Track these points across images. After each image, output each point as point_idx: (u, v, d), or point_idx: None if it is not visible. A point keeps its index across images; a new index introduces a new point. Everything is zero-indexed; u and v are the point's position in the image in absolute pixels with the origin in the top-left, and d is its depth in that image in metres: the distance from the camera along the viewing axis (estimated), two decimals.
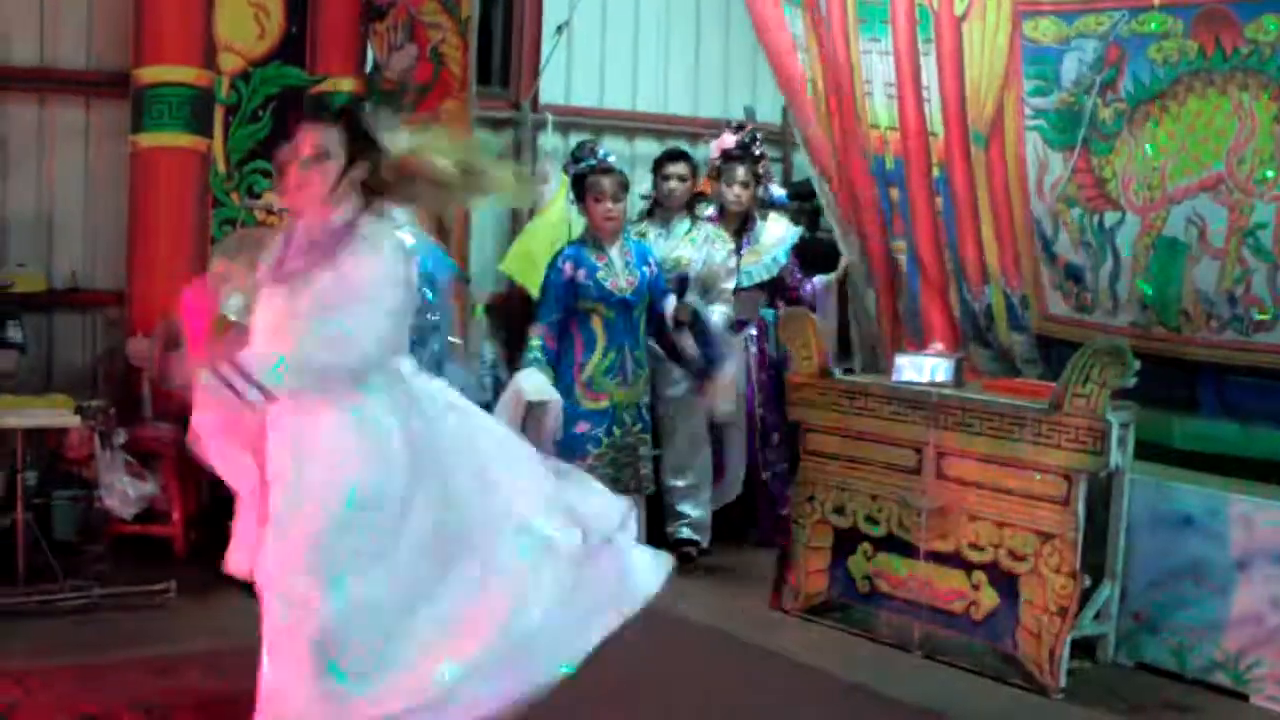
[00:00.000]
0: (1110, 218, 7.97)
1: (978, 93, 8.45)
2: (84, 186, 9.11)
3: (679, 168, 9.26)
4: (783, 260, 9.54)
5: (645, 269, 8.57)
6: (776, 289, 9.60)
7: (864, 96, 9.08)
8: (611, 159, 8.65)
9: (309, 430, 5.06)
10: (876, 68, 8.96)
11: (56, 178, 9.00)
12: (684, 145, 10.42)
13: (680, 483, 9.13)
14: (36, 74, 8.97)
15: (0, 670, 6.45)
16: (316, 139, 5.07)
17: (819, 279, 9.75)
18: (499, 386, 9.96)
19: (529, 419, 8.16)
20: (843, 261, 9.77)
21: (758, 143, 9.64)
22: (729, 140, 9.59)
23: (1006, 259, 8.56)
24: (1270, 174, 7.11)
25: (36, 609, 7.42)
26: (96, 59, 9.13)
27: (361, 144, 5.10)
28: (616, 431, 8.50)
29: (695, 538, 9.09)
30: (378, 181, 5.15)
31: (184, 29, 8.73)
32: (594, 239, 8.53)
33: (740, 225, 9.49)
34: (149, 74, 8.68)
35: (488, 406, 9.05)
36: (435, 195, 5.37)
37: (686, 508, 9.12)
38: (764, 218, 9.64)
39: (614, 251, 8.51)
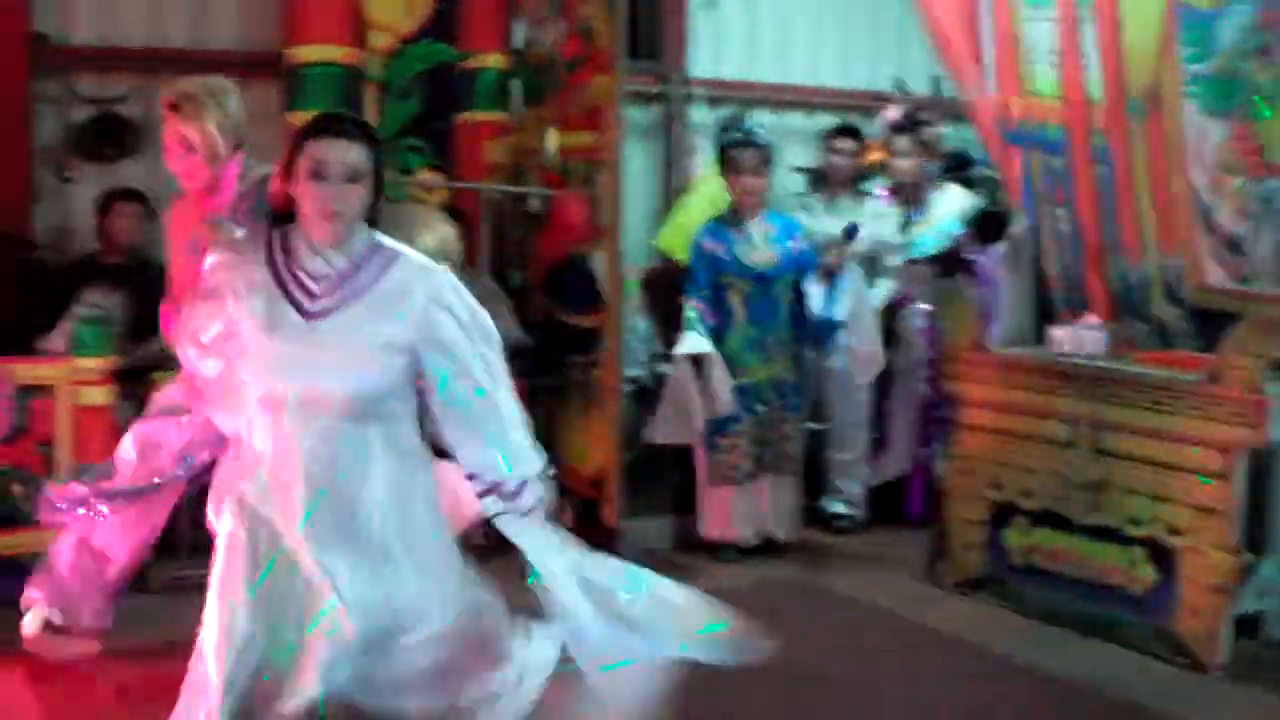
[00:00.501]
0: (1272, 184, 7.85)
1: (1136, 60, 8.34)
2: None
3: (846, 143, 9.35)
4: (954, 232, 9.40)
5: (789, 243, 8.48)
6: (953, 263, 9.41)
7: (1027, 65, 9.00)
8: (759, 132, 8.59)
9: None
10: (1041, 35, 8.88)
11: None
12: (839, 117, 10.39)
13: (839, 457, 9.16)
14: (190, 56, 9.09)
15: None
16: (350, 158, 4.49)
17: (994, 251, 9.60)
18: (653, 360, 10.00)
19: (700, 380, 8.25)
20: (1012, 230, 9.63)
21: (923, 113, 9.62)
22: (894, 112, 9.63)
23: (1164, 229, 8.45)
24: None
25: None
26: (248, 40, 9.24)
27: (379, 166, 4.62)
28: (759, 409, 8.44)
29: (850, 512, 9.10)
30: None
31: (334, 8, 8.83)
32: (734, 213, 8.49)
33: (911, 196, 9.44)
34: (300, 53, 8.78)
35: (639, 382, 9.10)
36: None
37: (843, 483, 9.16)
38: (939, 189, 9.55)
39: (754, 226, 8.44)
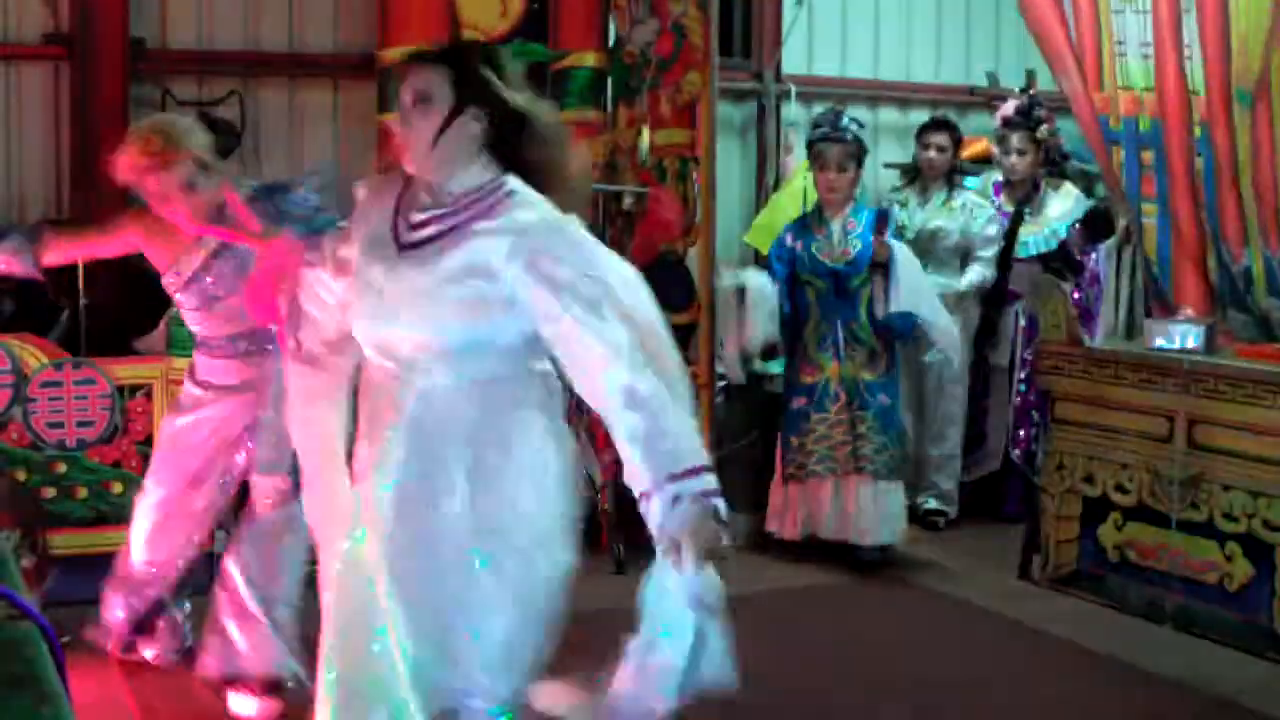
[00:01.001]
0: None
1: (1244, 49, 8.27)
2: (333, 167, 9.26)
3: (940, 137, 9.34)
4: (1063, 233, 9.37)
5: (871, 239, 8.30)
6: (1064, 263, 9.38)
7: (1114, 58, 8.95)
8: (852, 127, 8.46)
9: None
10: (1131, 27, 8.83)
11: (306, 158, 9.20)
12: (926, 113, 10.37)
13: (934, 452, 9.17)
14: (286, 59, 9.19)
15: None
16: (417, 82, 4.09)
17: (1102, 247, 9.53)
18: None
19: (740, 310, 8.34)
20: (1120, 225, 9.56)
21: (1039, 109, 9.52)
22: (1009, 107, 9.54)
23: (1268, 220, 8.39)
24: None
25: None
26: (343, 42, 9.33)
27: (473, 89, 4.07)
28: (829, 408, 8.31)
29: (943, 508, 9.10)
30: (507, 150, 4.14)
31: (428, 9, 8.85)
32: (819, 210, 8.46)
33: (1025, 194, 9.42)
34: (394, 55, 8.82)
35: (730, 379, 9.09)
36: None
37: (938, 478, 9.17)
38: (1055, 188, 9.54)
39: (836, 222, 8.35)
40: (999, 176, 9.57)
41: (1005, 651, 7.06)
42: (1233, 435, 7.04)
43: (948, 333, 8.54)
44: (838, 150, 8.31)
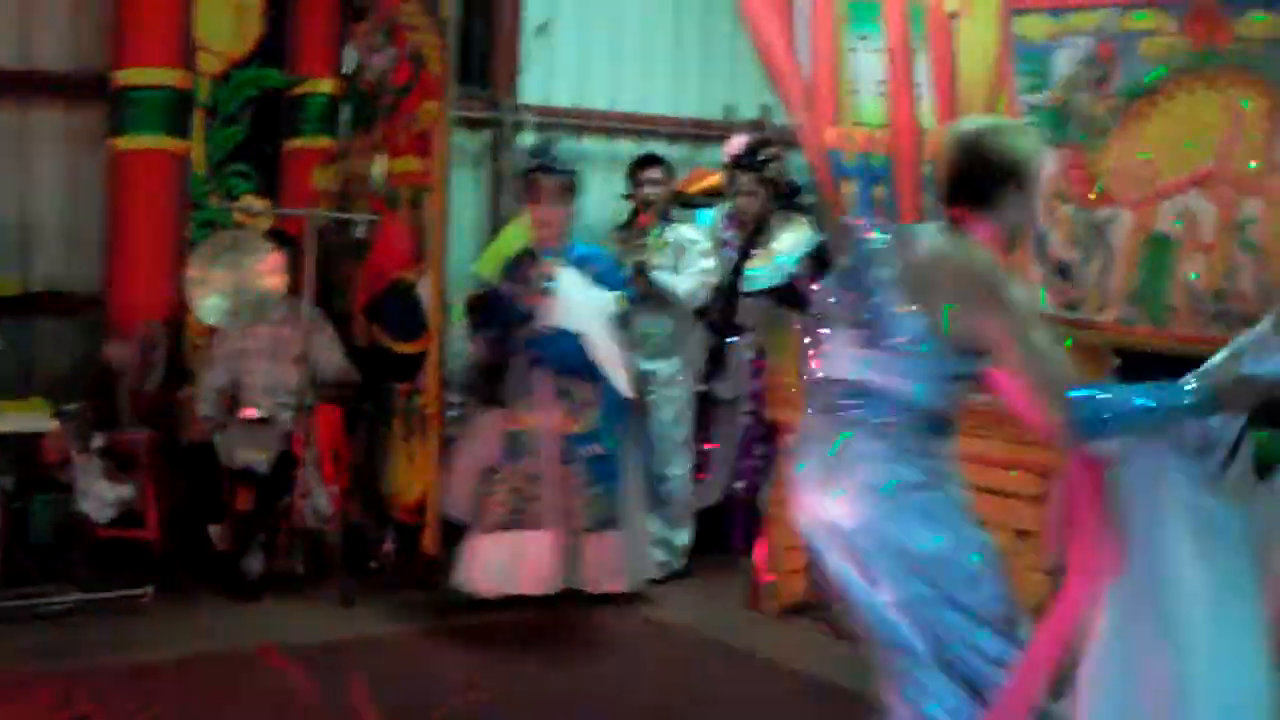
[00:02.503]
0: (1102, 214, 7.96)
1: (970, 91, 8.44)
2: (62, 189, 9.08)
3: (653, 173, 9.12)
4: (792, 267, 9.24)
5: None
6: (793, 296, 9.14)
7: (850, 95, 9.07)
8: (562, 159, 8.16)
9: None
10: (865, 66, 8.95)
11: (35, 180, 8.98)
12: (664, 145, 10.42)
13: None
14: (15, 77, 8.95)
15: None
16: None
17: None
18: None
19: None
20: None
21: (767, 147, 9.46)
22: (736, 146, 9.44)
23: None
24: (1255, 166, 7.10)
25: (14, 613, 7.41)
26: (75, 60, 9.10)
27: None
28: (525, 458, 7.90)
29: (668, 559, 8.89)
30: None
31: (162, 29, 8.72)
32: (529, 248, 8.15)
33: (754, 229, 9.32)
34: (127, 76, 8.68)
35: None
36: None
37: (665, 531, 8.92)
38: (785, 221, 9.44)
39: (548, 262, 7.92)
40: (722, 210, 9.53)
41: (735, 681, 7.09)
42: (955, 466, 7.15)
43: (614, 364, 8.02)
44: (555, 183, 7.98)
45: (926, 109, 8.65)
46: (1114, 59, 7.70)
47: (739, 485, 9.19)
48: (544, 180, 7.96)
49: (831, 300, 4.90)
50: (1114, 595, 4.25)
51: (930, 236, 4.72)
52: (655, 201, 9.07)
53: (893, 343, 4.57)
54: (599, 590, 7.99)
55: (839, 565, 4.89)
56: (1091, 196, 7.83)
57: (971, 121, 4.95)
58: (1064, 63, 7.93)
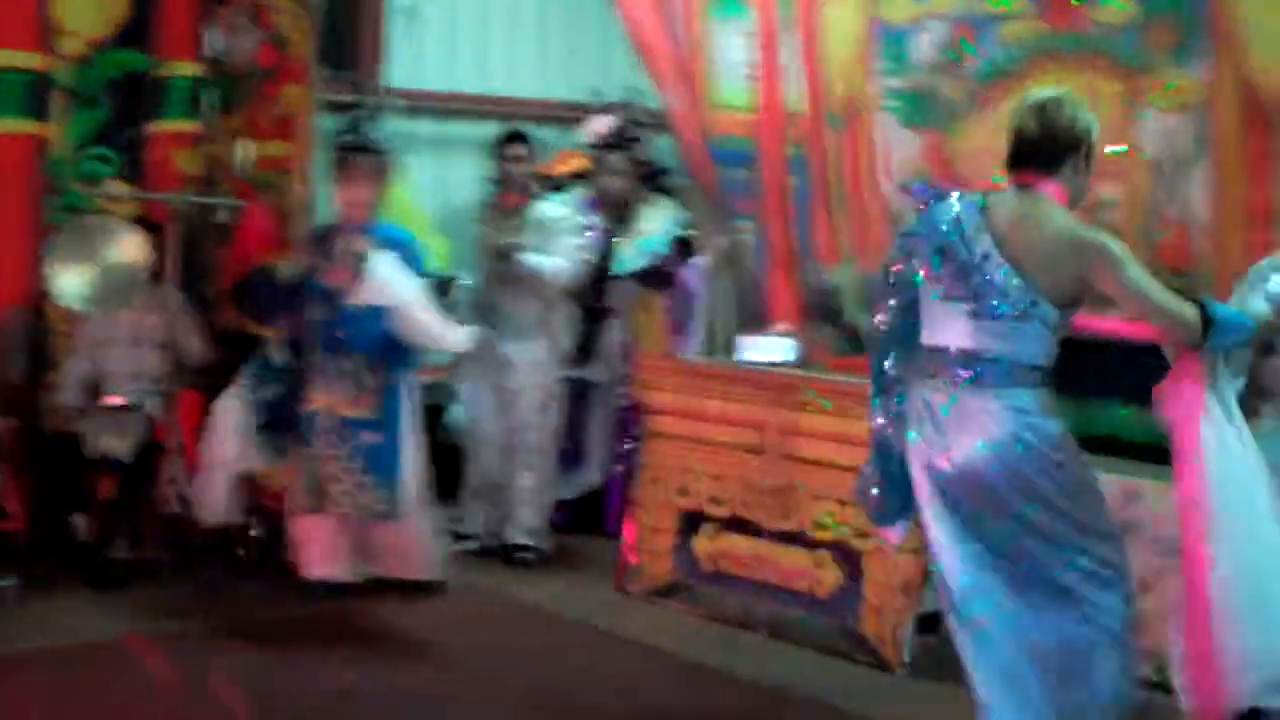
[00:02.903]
0: None
1: (835, 74, 8.49)
2: None
3: (519, 149, 8.90)
4: (663, 250, 9.31)
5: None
6: (659, 278, 9.35)
7: (718, 78, 9.10)
8: (376, 137, 8.07)
9: None
10: (731, 48, 8.98)
11: None
12: (532, 128, 10.37)
13: (522, 484, 8.82)
14: None
15: None
16: None
17: (698, 262, 9.52)
18: None
19: None
20: (717, 242, 9.59)
21: (632, 127, 9.45)
22: (601, 127, 9.44)
23: (859, 239, 8.60)
24: (1116, 151, 7.18)
25: None
26: None
27: None
28: (314, 442, 7.75)
29: (530, 543, 8.83)
30: None
31: (21, 12, 8.56)
32: (333, 227, 7.89)
33: (620, 212, 9.32)
34: None
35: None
36: None
37: (523, 513, 8.84)
38: (649, 203, 9.45)
39: (342, 243, 7.69)
40: (588, 193, 9.47)
41: (601, 663, 7.10)
42: (822, 446, 7.21)
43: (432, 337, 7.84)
44: (369, 162, 7.79)
45: (793, 92, 8.70)
46: (972, 43, 7.78)
47: (617, 469, 9.18)
48: (357, 159, 7.77)
49: (924, 273, 5.17)
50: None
51: (1008, 204, 5.09)
52: (520, 179, 8.89)
53: (1000, 307, 4.96)
54: (393, 576, 7.93)
55: (942, 516, 5.19)
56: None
57: (1042, 94, 5.24)
58: (924, 46, 8.01)
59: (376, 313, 7.59)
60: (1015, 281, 4.94)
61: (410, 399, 7.91)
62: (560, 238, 8.76)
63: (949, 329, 5.09)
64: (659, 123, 9.84)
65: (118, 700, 6.25)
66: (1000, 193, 5.18)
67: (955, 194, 5.24)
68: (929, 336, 5.18)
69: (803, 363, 7.68)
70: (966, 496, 5.08)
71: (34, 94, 8.57)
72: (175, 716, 6.12)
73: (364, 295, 7.57)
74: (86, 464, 7.93)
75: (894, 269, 5.32)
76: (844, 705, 6.49)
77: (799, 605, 7.30)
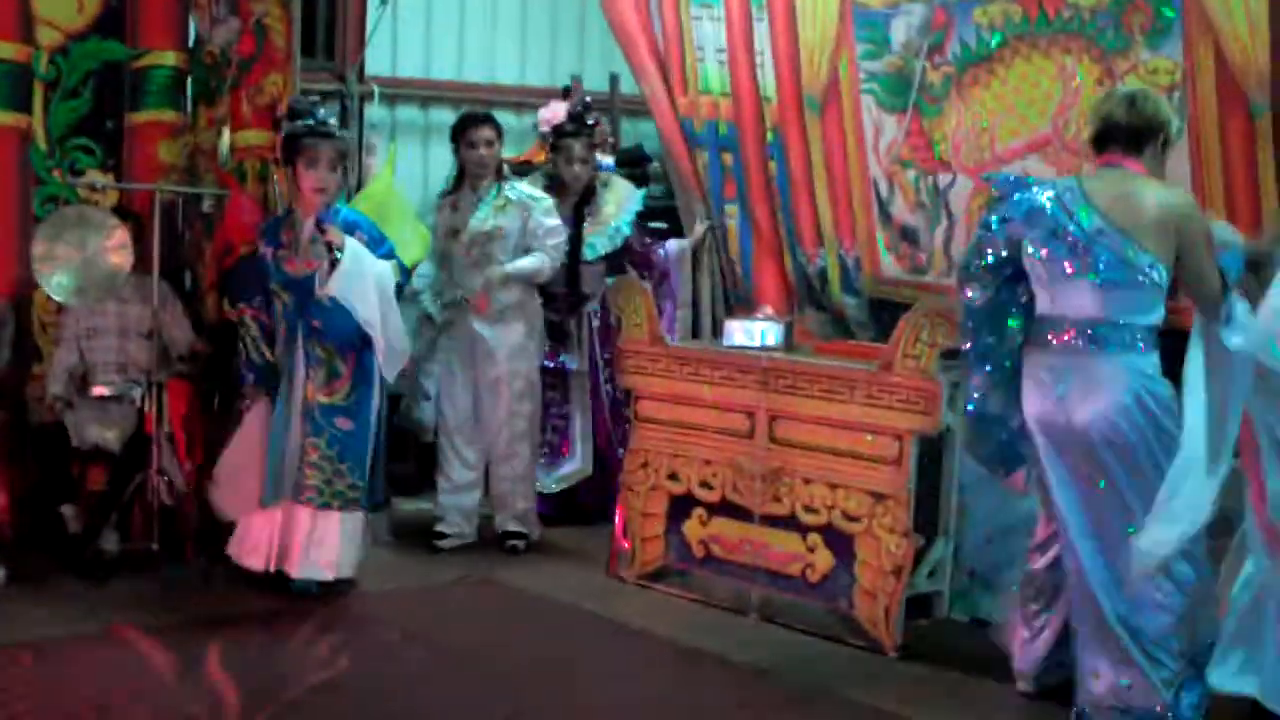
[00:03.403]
0: (943, 179, 8.07)
1: (811, 58, 8.51)
2: None
3: (488, 132, 8.70)
4: (627, 230, 9.21)
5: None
6: (624, 258, 9.29)
7: (695, 63, 9.11)
8: (331, 122, 7.97)
9: None
10: (708, 33, 9.00)
11: None
12: (511, 116, 10.37)
13: (506, 472, 8.79)
14: None
15: None
16: None
17: (673, 245, 9.52)
18: None
19: None
20: (697, 227, 9.60)
21: (591, 111, 9.31)
22: (560, 112, 9.27)
23: (841, 222, 8.63)
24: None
25: None
26: None
27: None
28: (288, 429, 7.73)
29: (522, 530, 8.83)
30: None
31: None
32: (290, 213, 7.87)
33: (583, 197, 9.18)
34: None
35: None
36: None
37: (514, 498, 8.85)
38: (605, 184, 9.31)
39: (306, 228, 7.66)
40: (544, 180, 9.27)
41: (593, 647, 7.11)
42: (811, 430, 7.23)
43: (392, 355, 7.80)
44: (330, 147, 7.74)
45: (768, 77, 8.71)
46: (948, 26, 7.81)
47: (609, 452, 9.15)
48: (320, 145, 7.69)
49: (1043, 251, 5.79)
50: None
51: (1101, 182, 5.79)
52: (491, 162, 8.71)
53: (1120, 275, 5.63)
54: (301, 574, 7.65)
55: (1056, 466, 5.90)
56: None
57: (1130, 88, 6.28)
58: (901, 29, 8.03)
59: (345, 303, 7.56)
60: (1131, 251, 5.60)
61: (379, 387, 7.93)
62: (540, 219, 8.64)
63: (1070, 299, 5.76)
64: (631, 108, 9.85)
65: (107, 691, 6.22)
66: (1089, 176, 5.91)
67: (1033, 181, 6.06)
68: (1048, 307, 5.84)
69: (789, 347, 7.67)
70: (1082, 455, 5.78)
71: (14, 85, 8.54)
72: (165, 707, 6.09)
73: (338, 287, 7.50)
74: (74, 455, 7.92)
75: (992, 249, 5.96)
76: (837, 688, 6.52)
77: (791, 589, 7.32)
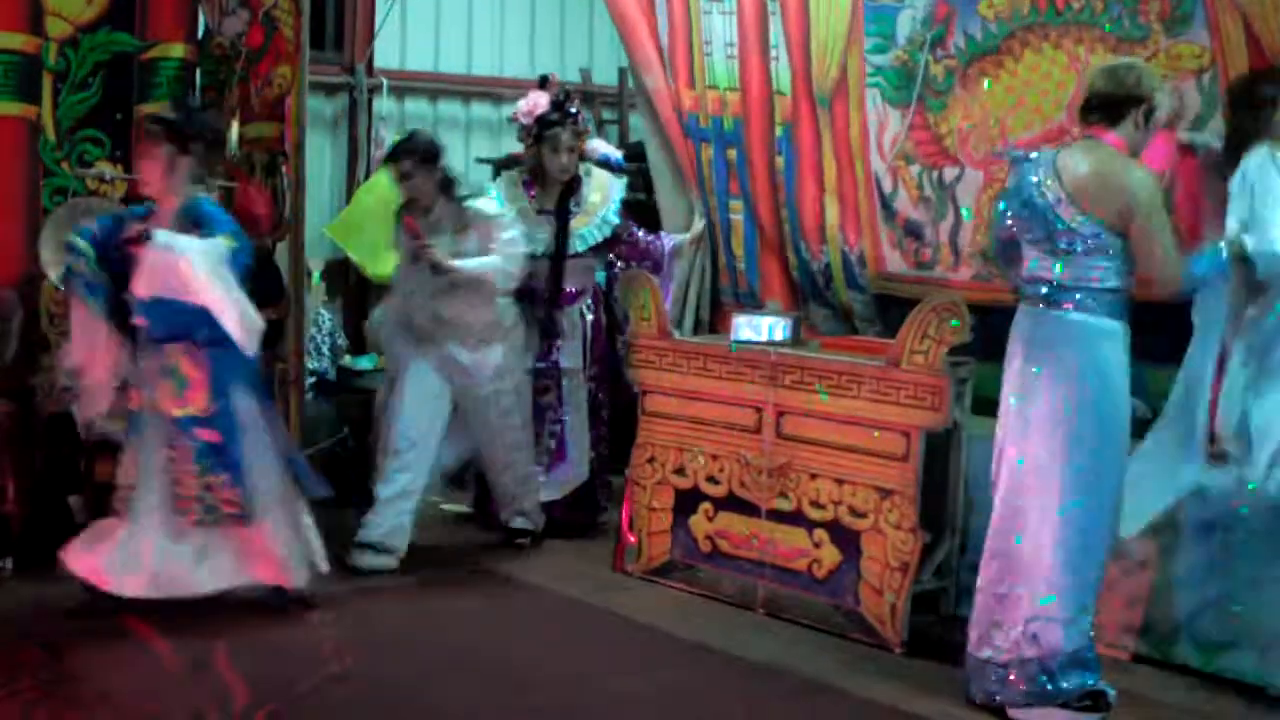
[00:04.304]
0: (949, 173, 8.04)
1: (823, 53, 8.49)
2: None
3: (405, 165, 8.27)
4: (614, 220, 8.97)
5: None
6: (611, 248, 9.13)
7: (703, 57, 9.10)
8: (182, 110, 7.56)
9: None
10: (717, 28, 8.98)
11: None
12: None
13: (507, 480, 8.69)
14: None
15: None
16: None
17: (669, 238, 9.31)
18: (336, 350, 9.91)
19: None
20: (697, 223, 9.53)
21: (572, 100, 9.06)
22: (542, 102, 8.92)
23: (846, 218, 8.61)
24: None
25: None
26: None
27: None
28: (144, 445, 7.24)
29: (528, 527, 8.75)
30: None
31: None
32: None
33: (566, 189, 8.95)
34: None
35: (322, 375, 8.98)
36: None
37: (519, 493, 8.73)
38: (587, 174, 9.05)
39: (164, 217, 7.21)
40: (524, 174, 9.06)
41: (599, 642, 7.12)
42: (818, 425, 7.23)
43: (245, 327, 7.11)
44: (158, 134, 7.29)
45: (781, 72, 8.70)
46: (952, 19, 7.79)
47: (604, 451, 9.07)
48: (148, 131, 7.41)
49: (1009, 222, 6.18)
50: None
51: (1076, 153, 6.01)
52: (424, 189, 8.27)
53: (1074, 244, 5.90)
54: (242, 584, 7.26)
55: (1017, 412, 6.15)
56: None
57: (1114, 59, 6.48)
58: (906, 23, 8.02)
59: (173, 301, 7.03)
60: (1080, 219, 5.87)
61: (251, 388, 7.36)
62: (499, 234, 8.24)
63: (1036, 264, 6.07)
64: (634, 103, 9.82)
65: (113, 682, 6.25)
66: (1071, 145, 6.21)
67: (1034, 153, 6.19)
68: (1026, 270, 6.14)
69: (797, 342, 7.66)
70: (1043, 399, 6.00)
71: (24, 76, 8.54)
72: (171, 698, 6.09)
73: (151, 282, 7.05)
74: (82, 445, 7.91)
75: (1003, 230, 6.29)
76: (842, 684, 6.52)
77: (797, 584, 7.33)
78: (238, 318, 7.00)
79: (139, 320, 7.15)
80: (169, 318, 7.06)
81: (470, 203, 8.35)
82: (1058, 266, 5.97)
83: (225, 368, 7.15)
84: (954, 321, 6.78)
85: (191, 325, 7.05)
